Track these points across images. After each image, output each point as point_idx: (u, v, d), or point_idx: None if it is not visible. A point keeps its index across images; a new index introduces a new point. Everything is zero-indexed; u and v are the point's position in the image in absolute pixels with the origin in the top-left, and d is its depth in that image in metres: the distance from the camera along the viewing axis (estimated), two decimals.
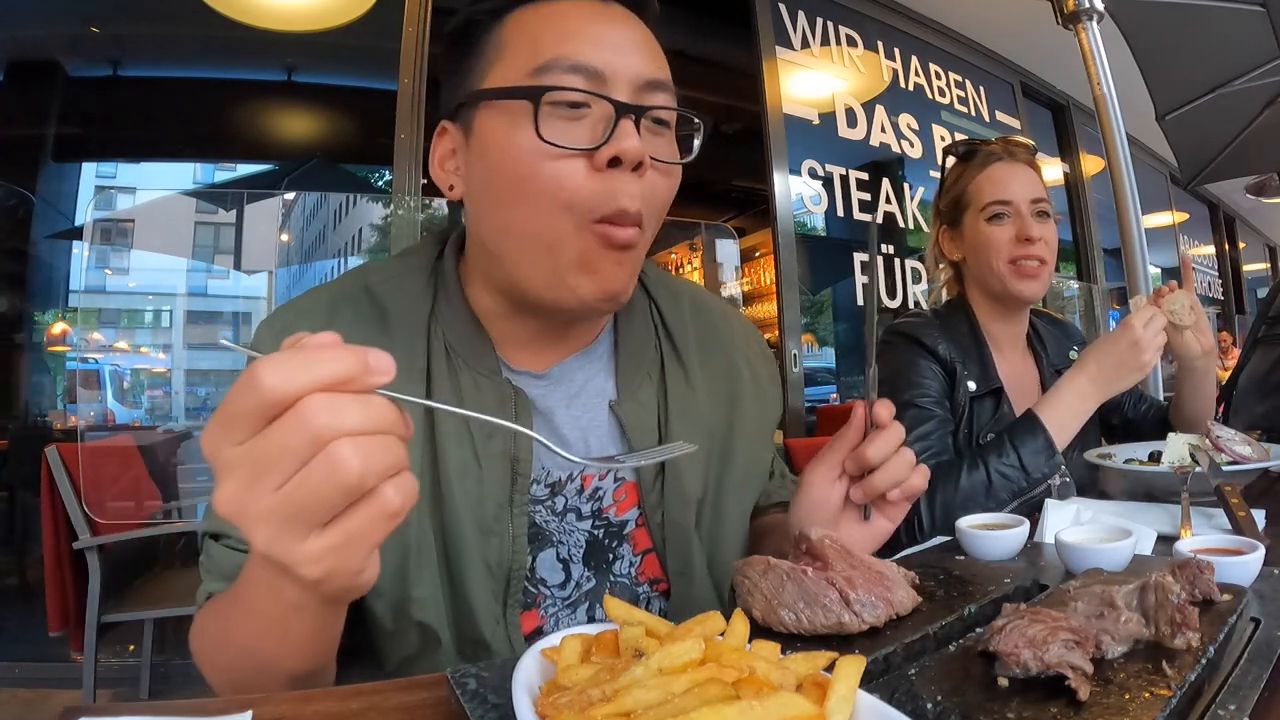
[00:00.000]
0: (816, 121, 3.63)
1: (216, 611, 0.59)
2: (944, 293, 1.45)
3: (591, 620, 0.70)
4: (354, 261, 3.36)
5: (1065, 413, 1.08)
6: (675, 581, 0.72)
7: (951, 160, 1.39)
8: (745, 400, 0.79)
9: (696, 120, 0.66)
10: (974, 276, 1.35)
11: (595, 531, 0.71)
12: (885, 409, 0.67)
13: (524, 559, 0.66)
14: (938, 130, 4.18)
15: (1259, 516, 0.82)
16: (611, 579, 0.72)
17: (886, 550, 0.76)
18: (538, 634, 0.67)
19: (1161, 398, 1.45)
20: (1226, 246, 8.07)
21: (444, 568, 0.65)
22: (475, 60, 0.65)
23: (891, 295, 3.72)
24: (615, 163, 0.59)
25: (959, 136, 4.27)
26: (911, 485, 0.67)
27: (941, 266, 1.43)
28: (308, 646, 0.51)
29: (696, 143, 0.66)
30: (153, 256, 3.11)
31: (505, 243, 0.63)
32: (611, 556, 0.72)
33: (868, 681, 0.41)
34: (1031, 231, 1.26)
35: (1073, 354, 1.40)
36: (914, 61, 4.15)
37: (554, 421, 0.70)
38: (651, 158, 0.61)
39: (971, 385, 1.25)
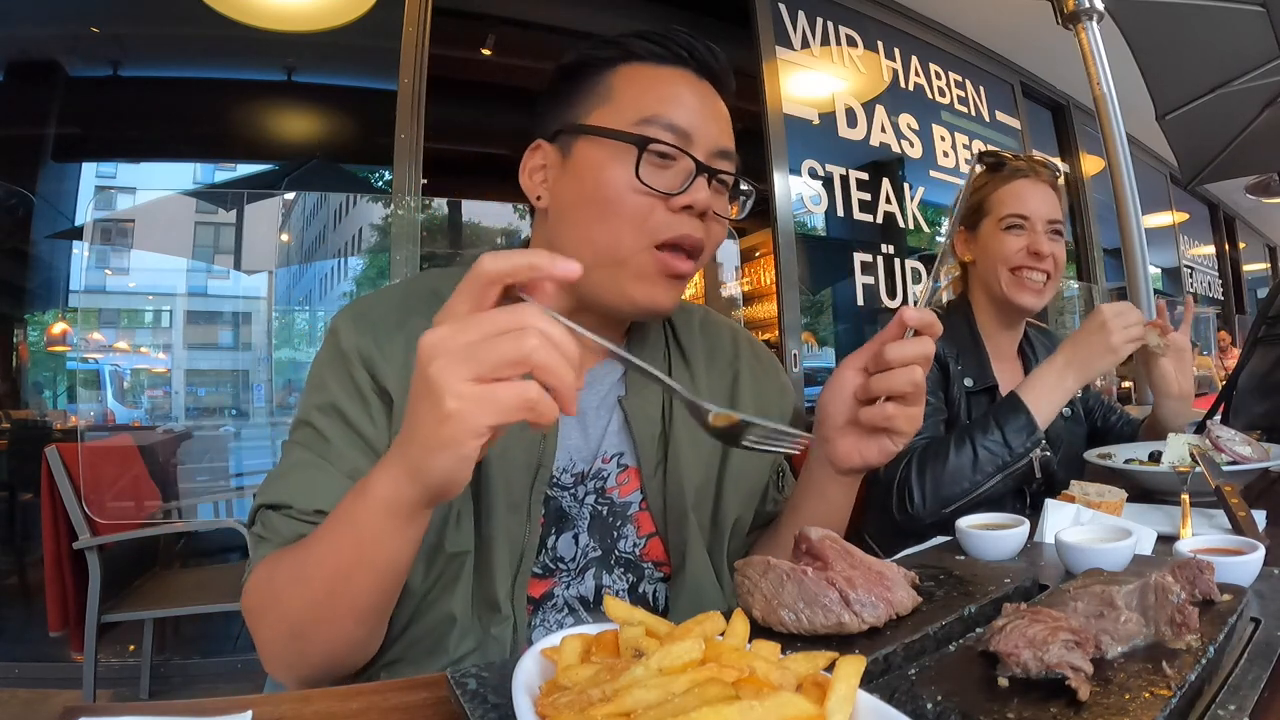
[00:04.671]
0: (816, 121, 3.63)
1: (291, 554, 0.65)
2: (950, 292, 1.50)
3: (597, 585, 0.78)
4: (354, 262, 3.36)
5: (1044, 392, 1.16)
6: (675, 562, 0.80)
7: (980, 168, 1.47)
8: (744, 402, 0.89)
9: (749, 188, 0.80)
10: (979, 279, 1.41)
11: (599, 508, 0.79)
12: (920, 315, 0.68)
13: (535, 540, 0.75)
14: (938, 130, 4.18)
15: (1259, 516, 0.82)
16: (616, 554, 0.79)
17: (887, 551, 0.76)
18: (548, 597, 0.76)
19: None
20: (1226, 246, 8.07)
21: (477, 532, 0.73)
22: (581, 96, 0.76)
23: (891, 295, 3.71)
24: (687, 208, 0.73)
25: (959, 136, 4.28)
26: (889, 414, 0.69)
27: (950, 265, 1.50)
28: (389, 572, 0.60)
29: (748, 205, 0.81)
30: (153, 256, 3.10)
31: (584, 251, 0.73)
32: (615, 534, 0.80)
33: (868, 681, 0.41)
34: (1042, 247, 1.32)
35: None
36: (914, 61, 4.15)
37: (585, 420, 0.81)
38: (713, 210, 0.75)
39: (968, 381, 1.31)
